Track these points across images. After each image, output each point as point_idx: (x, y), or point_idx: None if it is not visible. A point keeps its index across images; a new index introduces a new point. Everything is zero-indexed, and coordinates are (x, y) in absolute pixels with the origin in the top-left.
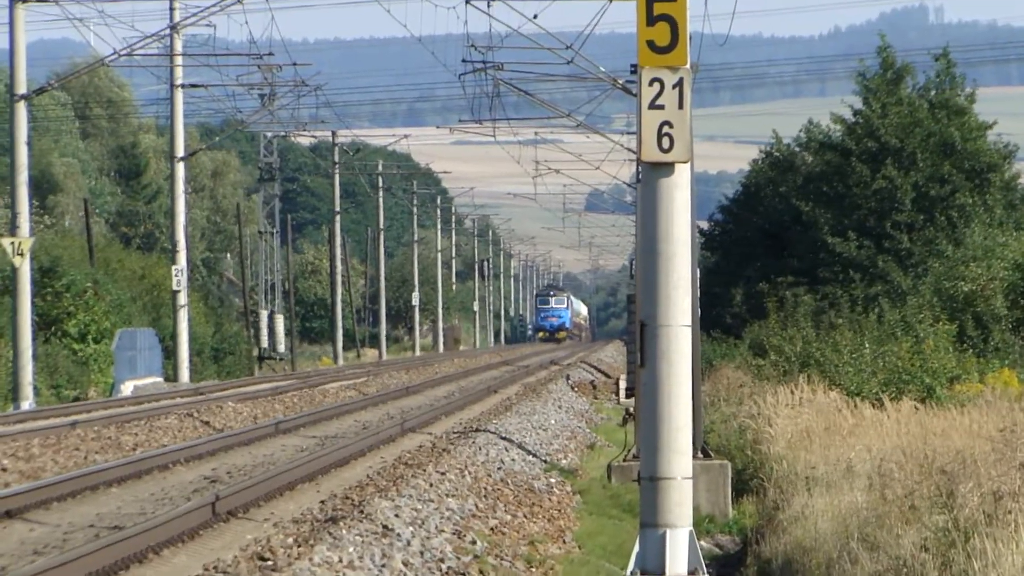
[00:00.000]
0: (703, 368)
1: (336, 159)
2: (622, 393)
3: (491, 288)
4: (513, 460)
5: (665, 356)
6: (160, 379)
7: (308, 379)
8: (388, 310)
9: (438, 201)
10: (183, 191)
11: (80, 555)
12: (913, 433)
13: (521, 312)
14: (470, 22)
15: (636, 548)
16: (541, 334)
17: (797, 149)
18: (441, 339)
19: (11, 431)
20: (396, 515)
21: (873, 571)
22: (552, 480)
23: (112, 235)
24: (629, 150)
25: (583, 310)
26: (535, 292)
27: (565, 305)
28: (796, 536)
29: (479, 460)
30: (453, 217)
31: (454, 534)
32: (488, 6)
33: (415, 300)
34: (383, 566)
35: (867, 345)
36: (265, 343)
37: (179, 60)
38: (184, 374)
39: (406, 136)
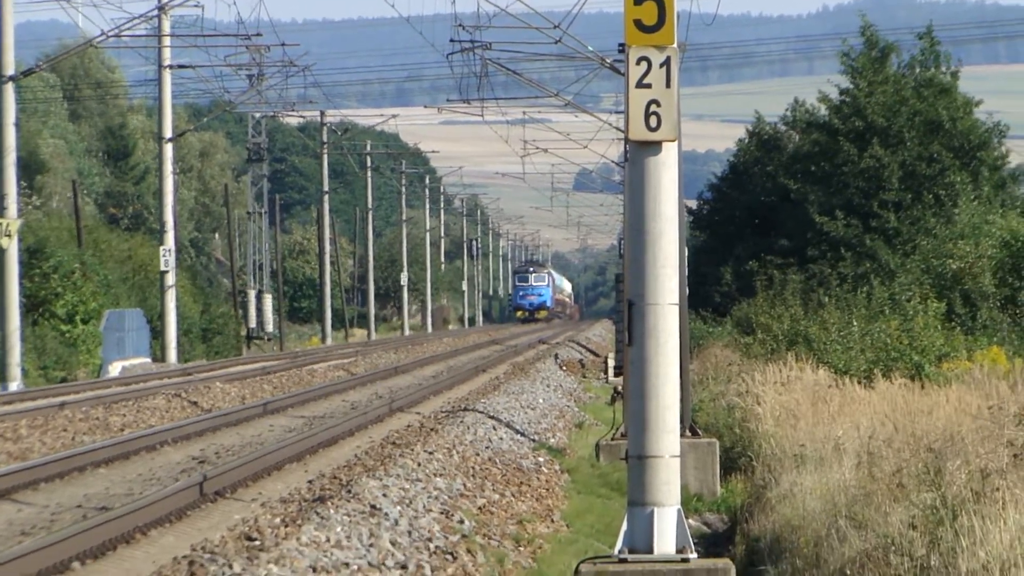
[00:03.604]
0: (691, 347)
1: (324, 139)
2: (610, 372)
3: (479, 268)
4: (501, 439)
5: (653, 335)
6: (148, 360)
7: (296, 359)
8: (377, 290)
9: (426, 181)
10: (171, 172)
11: (68, 536)
12: (901, 411)
13: (510, 292)
14: (458, 2)
15: (624, 526)
16: (520, 313)
17: (783, 128)
18: (430, 319)
19: None
20: (384, 495)
21: (861, 549)
22: (540, 459)
23: (100, 216)
24: (617, 129)
25: (567, 287)
26: (513, 269)
27: (546, 282)
28: (784, 514)
29: (467, 439)
30: (441, 197)
31: (442, 513)
32: None
33: (403, 280)
34: (371, 545)
35: (855, 323)
36: (253, 323)
37: (167, 41)
38: (172, 354)
39: (394, 116)
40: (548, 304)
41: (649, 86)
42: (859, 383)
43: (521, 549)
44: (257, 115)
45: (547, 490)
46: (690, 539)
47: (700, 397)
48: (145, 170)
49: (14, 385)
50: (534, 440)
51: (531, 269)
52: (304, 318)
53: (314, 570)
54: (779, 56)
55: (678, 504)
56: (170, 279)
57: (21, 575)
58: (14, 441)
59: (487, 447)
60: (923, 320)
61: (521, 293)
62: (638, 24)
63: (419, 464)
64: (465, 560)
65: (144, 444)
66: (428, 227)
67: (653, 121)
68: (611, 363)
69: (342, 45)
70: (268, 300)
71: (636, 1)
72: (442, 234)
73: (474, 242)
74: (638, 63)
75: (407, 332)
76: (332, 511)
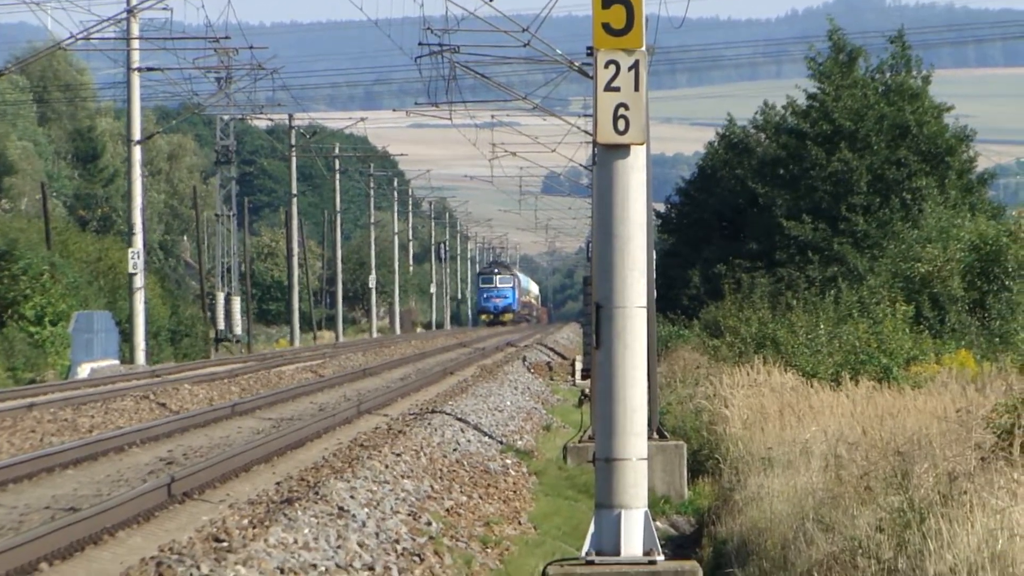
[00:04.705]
0: (659, 349)
1: (293, 142)
2: (578, 374)
3: (448, 271)
4: (469, 441)
5: (620, 337)
6: (116, 361)
7: (264, 361)
8: (345, 292)
9: (395, 184)
10: (140, 174)
11: (36, 537)
12: (869, 414)
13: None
14: (426, 5)
15: (591, 529)
16: (484, 316)
17: (753, 131)
18: (398, 321)
19: None
20: (351, 496)
21: (828, 552)
22: (508, 461)
23: (69, 218)
24: (585, 132)
25: (534, 289)
26: (477, 271)
27: (511, 284)
28: (752, 517)
29: (435, 441)
30: (410, 200)
31: (409, 515)
32: None
33: (372, 282)
34: (338, 547)
35: (822, 326)
36: (222, 325)
37: (136, 44)
38: (140, 356)
39: (363, 119)
40: (514, 307)
41: (618, 89)
42: (828, 386)
43: (488, 551)
44: (226, 118)
45: (514, 492)
46: (657, 541)
47: (668, 400)
48: (114, 173)
49: None
50: (502, 442)
51: (496, 271)
52: (272, 320)
53: (282, 571)
54: (748, 60)
55: (645, 507)
56: (139, 281)
57: None
58: None
59: (455, 449)
60: (891, 323)
61: (485, 295)
62: (607, 28)
63: (387, 466)
64: (432, 562)
65: (112, 445)
66: (396, 230)
67: (621, 124)
68: (579, 366)
69: (310, 48)
70: (236, 302)
71: (604, 5)
72: (410, 237)
73: (442, 245)
74: (606, 66)
75: (375, 335)
76: (300, 513)
